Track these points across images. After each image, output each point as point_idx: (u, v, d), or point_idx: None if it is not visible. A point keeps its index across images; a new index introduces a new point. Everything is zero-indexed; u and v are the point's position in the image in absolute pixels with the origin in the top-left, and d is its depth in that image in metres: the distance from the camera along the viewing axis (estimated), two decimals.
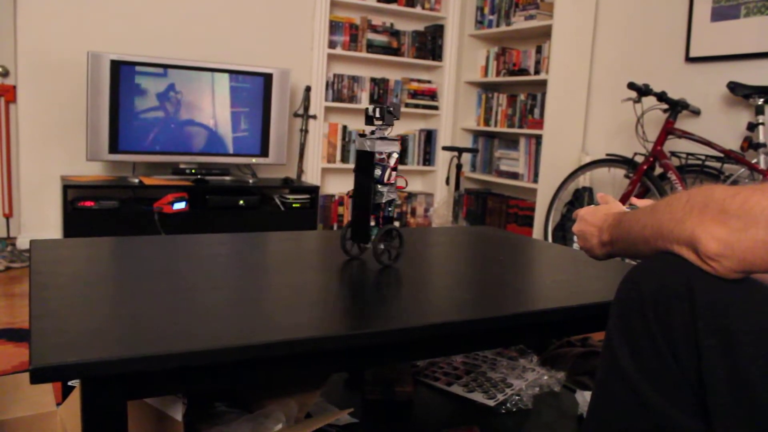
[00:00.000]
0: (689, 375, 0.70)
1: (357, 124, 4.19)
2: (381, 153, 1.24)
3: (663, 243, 0.76)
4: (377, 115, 1.24)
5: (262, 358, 0.82)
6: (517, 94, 3.94)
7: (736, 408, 0.66)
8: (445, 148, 3.72)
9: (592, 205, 1.05)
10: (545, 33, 3.66)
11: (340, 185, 4.22)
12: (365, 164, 1.25)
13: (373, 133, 1.25)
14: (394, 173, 1.26)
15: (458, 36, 4.28)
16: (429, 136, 4.37)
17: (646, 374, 0.73)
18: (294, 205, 3.59)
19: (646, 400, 0.72)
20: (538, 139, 3.66)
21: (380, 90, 4.17)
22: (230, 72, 3.45)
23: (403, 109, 4.23)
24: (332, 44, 3.96)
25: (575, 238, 1.05)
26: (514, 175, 3.90)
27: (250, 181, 3.58)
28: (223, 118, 3.47)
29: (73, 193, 3.15)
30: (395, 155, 1.26)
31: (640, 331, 0.73)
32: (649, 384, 0.72)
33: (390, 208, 1.28)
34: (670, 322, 0.71)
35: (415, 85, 4.25)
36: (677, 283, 0.71)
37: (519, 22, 3.83)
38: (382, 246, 1.25)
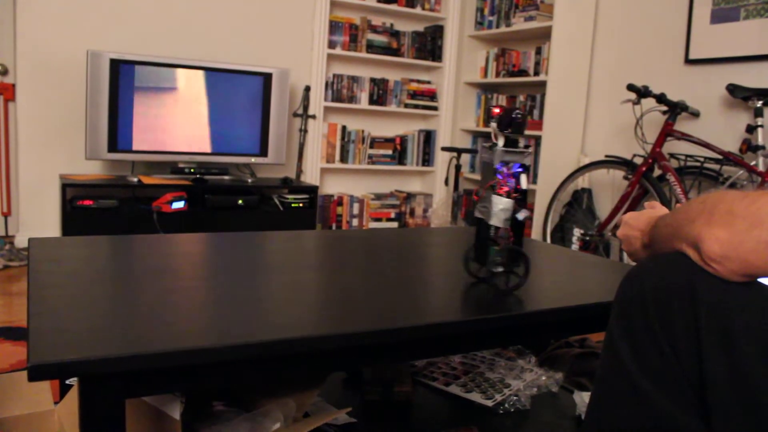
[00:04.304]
0: (690, 373, 0.70)
1: (356, 125, 4.19)
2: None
3: (677, 242, 0.77)
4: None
5: (261, 356, 0.82)
6: (516, 95, 3.94)
7: (737, 407, 0.67)
8: (444, 149, 3.72)
9: (637, 210, 1.06)
10: (545, 34, 3.66)
11: (339, 185, 4.22)
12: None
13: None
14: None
15: (458, 37, 4.28)
16: (428, 137, 4.37)
17: (646, 372, 0.73)
18: (293, 205, 3.59)
19: (647, 397, 0.72)
20: (538, 140, 3.66)
21: (380, 90, 4.17)
22: (229, 71, 3.45)
23: (402, 110, 4.24)
24: (332, 44, 3.96)
25: (621, 244, 1.06)
26: None
27: (249, 180, 3.58)
28: (223, 117, 3.47)
29: (72, 192, 3.15)
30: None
31: (642, 329, 0.73)
32: (649, 381, 0.72)
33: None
34: (672, 320, 0.71)
35: (414, 86, 4.25)
36: (679, 282, 0.71)
37: (519, 23, 3.83)
38: (500, 268, 1.13)
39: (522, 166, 1.12)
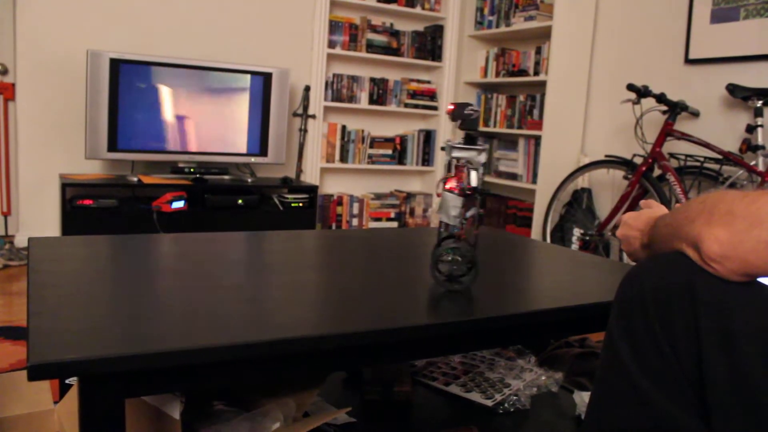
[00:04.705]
0: (690, 373, 0.70)
1: (356, 124, 4.19)
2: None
3: (676, 242, 0.77)
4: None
5: (261, 356, 0.82)
6: (516, 95, 3.94)
7: (737, 406, 0.67)
8: (444, 149, 3.71)
9: (636, 210, 1.06)
10: (545, 34, 3.66)
11: (339, 185, 4.22)
12: None
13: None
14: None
15: (458, 36, 4.28)
16: (428, 137, 4.37)
17: (646, 371, 0.73)
18: (293, 205, 3.59)
19: (647, 397, 0.72)
20: (537, 140, 3.66)
21: (380, 90, 4.17)
22: (229, 71, 3.44)
23: (402, 110, 4.23)
24: (332, 44, 3.96)
25: (620, 244, 1.06)
26: (513, 176, 3.90)
27: (249, 180, 3.58)
28: (223, 117, 3.47)
29: (72, 192, 3.15)
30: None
31: (642, 329, 0.73)
32: (649, 381, 0.72)
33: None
34: (671, 320, 0.71)
35: (414, 86, 4.25)
36: (679, 282, 0.71)
37: (518, 23, 3.83)
38: (448, 259, 1.10)
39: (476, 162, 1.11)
